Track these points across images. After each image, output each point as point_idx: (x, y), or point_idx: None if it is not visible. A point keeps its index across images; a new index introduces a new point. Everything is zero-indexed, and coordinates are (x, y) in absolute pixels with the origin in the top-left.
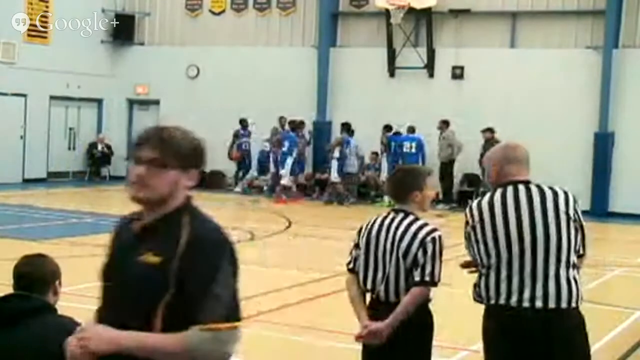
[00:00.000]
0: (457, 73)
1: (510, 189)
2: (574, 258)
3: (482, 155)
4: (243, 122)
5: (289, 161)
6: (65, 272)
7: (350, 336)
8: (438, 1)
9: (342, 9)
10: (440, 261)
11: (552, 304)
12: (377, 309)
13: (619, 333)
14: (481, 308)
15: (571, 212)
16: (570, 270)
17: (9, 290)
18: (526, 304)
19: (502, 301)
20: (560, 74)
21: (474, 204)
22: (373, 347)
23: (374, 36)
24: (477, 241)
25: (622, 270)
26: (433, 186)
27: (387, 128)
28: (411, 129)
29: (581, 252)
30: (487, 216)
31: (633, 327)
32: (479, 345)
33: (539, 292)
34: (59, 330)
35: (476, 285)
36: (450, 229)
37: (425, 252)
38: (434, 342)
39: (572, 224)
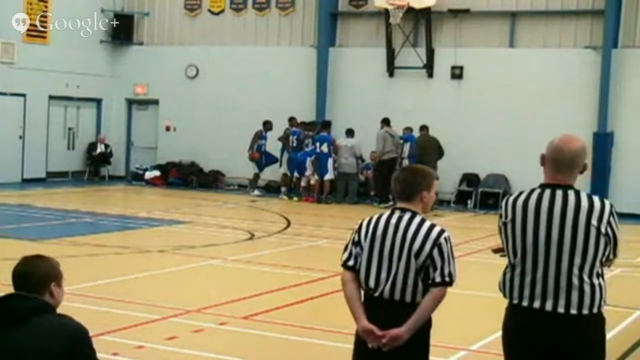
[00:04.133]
0: (457, 73)
1: (547, 192)
2: (597, 269)
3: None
4: (267, 124)
5: (331, 162)
6: (64, 271)
7: (350, 336)
8: (437, 1)
9: (341, 8)
10: (454, 260)
11: (561, 309)
12: (378, 307)
13: (618, 333)
14: (480, 308)
15: (603, 227)
16: (594, 278)
17: (9, 289)
18: (536, 304)
19: (515, 300)
20: (559, 74)
21: (511, 199)
22: (369, 346)
23: (373, 36)
24: (506, 238)
25: (622, 270)
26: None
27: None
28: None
29: (610, 257)
30: (519, 216)
31: (633, 327)
32: (479, 345)
33: (553, 295)
34: (59, 329)
35: (501, 281)
36: (448, 229)
37: (441, 253)
38: (434, 342)
39: (601, 239)
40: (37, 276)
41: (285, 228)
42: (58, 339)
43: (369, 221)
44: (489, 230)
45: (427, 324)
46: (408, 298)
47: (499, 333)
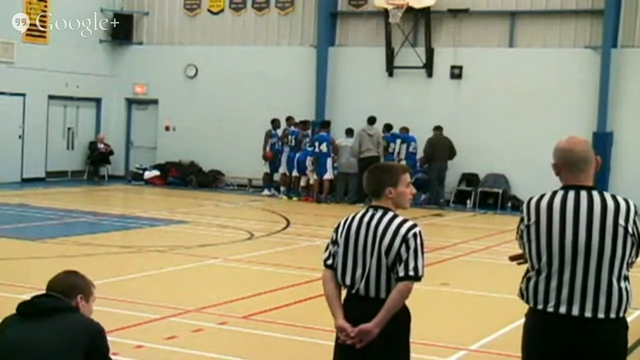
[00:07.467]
0: (456, 73)
1: (571, 194)
2: (625, 271)
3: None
4: (275, 122)
5: (330, 161)
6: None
7: None
8: (437, 1)
9: (340, 8)
10: (423, 256)
11: (588, 314)
12: (355, 304)
13: None
14: (480, 308)
15: (630, 226)
16: (622, 281)
17: (8, 289)
18: (563, 309)
19: (540, 306)
20: (559, 74)
21: (534, 201)
22: (347, 342)
23: (372, 36)
24: (529, 241)
25: None
26: (409, 183)
27: (387, 127)
28: (405, 129)
29: (634, 259)
30: (544, 218)
31: (633, 327)
32: (479, 345)
33: (580, 299)
34: (78, 326)
35: (523, 286)
36: (448, 228)
37: (408, 248)
38: (434, 342)
39: (629, 239)
40: (63, 285)
41: (285, 228)
42: (76, 333)
43: (346, 220)
44: (488, 230)
45: (405, 319)
46: (383, 294)
47: (499, 333)
